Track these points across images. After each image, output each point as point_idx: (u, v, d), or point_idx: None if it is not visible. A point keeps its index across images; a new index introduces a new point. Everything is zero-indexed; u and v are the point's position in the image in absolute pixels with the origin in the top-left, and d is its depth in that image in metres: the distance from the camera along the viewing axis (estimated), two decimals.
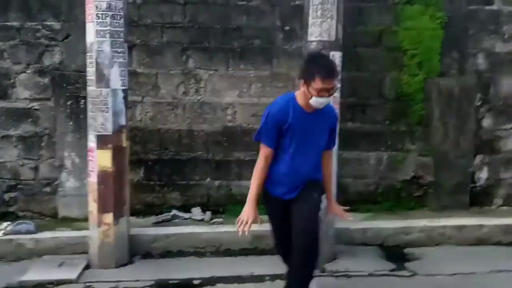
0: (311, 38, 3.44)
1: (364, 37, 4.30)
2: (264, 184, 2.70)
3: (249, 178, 4.21)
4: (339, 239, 3.71)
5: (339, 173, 3.65)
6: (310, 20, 3.43)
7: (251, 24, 4.26)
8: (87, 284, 3.28)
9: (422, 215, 4.27)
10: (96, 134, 3.41)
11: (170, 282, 3.27)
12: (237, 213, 4.14)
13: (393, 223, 4.03)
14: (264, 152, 2.64)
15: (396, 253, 3.76)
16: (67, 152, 4.10)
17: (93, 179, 3.45)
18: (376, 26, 4.34)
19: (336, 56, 3.43)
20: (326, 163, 2.80)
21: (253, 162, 4.22)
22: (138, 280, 3.22)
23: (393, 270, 3.48)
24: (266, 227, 3.90)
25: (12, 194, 4.23)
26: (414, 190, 4.48)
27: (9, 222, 3.88)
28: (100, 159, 3.41)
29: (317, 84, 2.45)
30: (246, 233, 2.59)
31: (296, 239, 2.61)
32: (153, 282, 3.25)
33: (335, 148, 2.99)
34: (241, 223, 2.60)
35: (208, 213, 4.15)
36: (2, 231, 3.77)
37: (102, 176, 3.42)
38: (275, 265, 3.54)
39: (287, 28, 4.28)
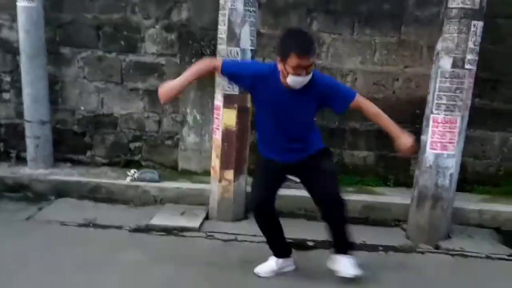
0: (452, 4, 3.21)
1: (506, 6, 3.93)
2: (258, 146, 2.78)
3: (363, 148, 4.32)
4: (454, 218, 3.60)
5: None
6: None
7: None
8: (208, 233, 3.49)
9: None
10: (223, 93, 3.50)
11: None
12: (348, 182, 4.25)
13: None
14: (216, 61, 2.75)
15: None
16: (189, 109, 4.27)
17: (217, 136, 3.59)
18: None
19: (478, 26, 3.20)
20: (371, 116, 2.66)
21: (368, 133, 4.26)
22: (254, 235, 3.34)
23: (511, 255, 3.34)
24: (378, 199, 3.96)
25: (137, 144, 4.52)
26: None
27: (135, 170, 4.19)
28: (226, 118, 3.53)
29: (293, 61, 2.34)
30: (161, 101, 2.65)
31: (325, 209, 2.75)
32: None
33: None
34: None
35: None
36: (130, 177, 4.09)
37: (226, 134, 3.54)
38: (386, 236, 3.56)
39: None
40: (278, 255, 2.94)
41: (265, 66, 2.68)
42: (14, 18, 4.18)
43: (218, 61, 2.77)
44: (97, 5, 4.27)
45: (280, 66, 2.44)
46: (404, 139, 2.56)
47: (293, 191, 4.00)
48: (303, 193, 4.00)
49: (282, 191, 4.16)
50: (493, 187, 4.20)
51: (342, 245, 2.85)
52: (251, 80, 2.58)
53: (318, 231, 3.45)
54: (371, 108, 2.64)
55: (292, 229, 3.10)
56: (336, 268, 2.85)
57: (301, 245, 3.35)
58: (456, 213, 3.64)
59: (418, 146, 2.57)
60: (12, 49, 4.38)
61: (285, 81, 2.46)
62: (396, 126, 2.60)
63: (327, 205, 2.73)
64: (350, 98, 2.60)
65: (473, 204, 3.86)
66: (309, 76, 2.42)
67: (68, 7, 4.29)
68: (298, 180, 2.88)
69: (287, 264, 2.96)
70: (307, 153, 2.68)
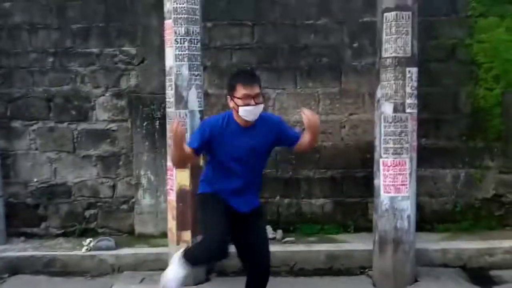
0: (385, 54, 3.40)
1: (436, 51, 4.21)
2: (202, 185, 2.75)
3: (319, 196, 4.35)
4: (418, 259, 3.57)
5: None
6: (384, 37, 3.40)
7: (319, 42, 4.29)
8: None
9: (505, 235, 4.03)
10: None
11: None
12: (308, 231, 4.23)
13: (476, 244, 3.85)
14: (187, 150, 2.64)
15: (481, 276, 3.58)
16: (143, 171, 4.26)
17: (172, 197, 3.55)
18: (449, 40, 4.24)
19: (413, 72, 3.38)
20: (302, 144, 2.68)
21: (323, 180, 4.32)
22: None
23: None
24: (341, 247, 3.94)
25: (92, 211, 4.44)
26: (495, 209, 4.28)
27: (91, 239, 4.06)
28: (179, 178, 3.50)
29: (239, 91, 2.49)
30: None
31: (256, 268, 2.69)
32: None
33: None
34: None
35: (279, 232, 4.14)
36: (85, 247, 3.96)
37: (181, 194, 3.50)
38: (352, 285, 3.50)
39: (355, 45, 4.27)
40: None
41: (217, 116, 2.72)
42: None
43: (187, 149, 2.60)
44: (47, 78, 4.36)
45: (231, 104, 2.56)
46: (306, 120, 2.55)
47: None
48: None
49: None
50: (453, 223, 4.25)
51: None
52: (211, 136, 2.58)
53: None
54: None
55: None
56: None
57: None
58: (420, 254, 3.62)
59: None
60: None
61: (239, 118, 2.55)
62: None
63: (261, 269, 2.68)
64: (298, 132, 2.80)
65: (435, 243, 3.88)
66: (260, 107, 2.53)
67: (18, 81, 4.36)
68: None
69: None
70: (256, 202, 2.71)
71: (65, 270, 3.85)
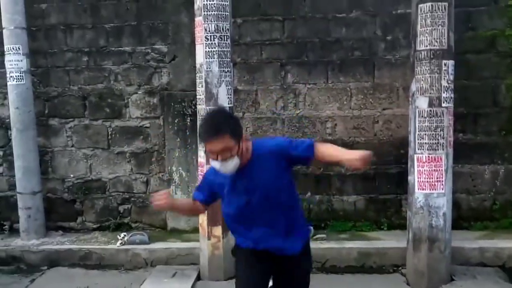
0: (420, 47, 3.30)
1: (474, 42, 4.05)
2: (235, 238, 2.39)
3: (351, 193, 4.28)
4: (454, 258, 3.48)
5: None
6: (419, 29, 3.30)
7: (351, 35, 4.20)
8: None
9: None
10: (204, 150, 3.53)
11: None
12: (340, 228, 4.18)
13: None
14: (195, 201, 2.37)
15: None
16: (175, 167, 4.32)
17: None
18: (488, 31, 4.06)
19: (449, 65, 3.27)
20: (322, 153, 2.16)
21: (355, 176, 4.24)
22: None
23: None
24: (373, 244, 3.87)
25: (126, 206, 4.54)
26: None
27: (125, 233, 4.16)
28: None
29: (206, 147, 2.11)
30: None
31: None
32: None
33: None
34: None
35: (311, 228, 4.10)
36: (120, 241, 4.06)
37: None
38: (385, 284, 3.44)
39: (389, 37, 4.15)
40: None
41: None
42: (5, 96, 4.36)
43: (195, 201, 2.38)
44: (82, 77, 4.46)
45: None
46: (350, 156, 2.10)
47: None
48: None
49: None
50: (491, 221, 4.09)
51: None
52: (211, 185, 2.29)
53: (317, 285, 3.36)
54: (323, 148, 2.21)
55: None
56: None
57: None
58: (456, 253, 3.53)
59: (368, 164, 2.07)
60: (3, 125, 4.54)
61: None
62: (344, 150, 2.23)
63: None
64: (310, 142, 2.20)
65: (472, 242, 3.75)
66: (233, 160, 2.06)
67: (55, 81, 4.48)
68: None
69: None
70: (295, 245, 2.25)
71: (100, 263, 3.97)
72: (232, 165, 2.08)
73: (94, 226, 4.55)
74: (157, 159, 4.43)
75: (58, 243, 4.19)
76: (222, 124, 2.08)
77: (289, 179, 2.23)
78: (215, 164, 2.09)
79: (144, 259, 3.93)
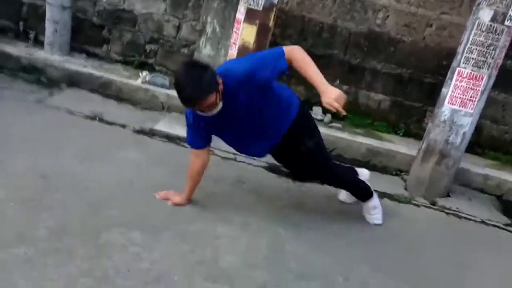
0: None
1: None
2: None
3: (379, 91, 4.17)
4: (457, 178, 3.54)
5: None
6: None
7: None
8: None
9: None
10: (246, 7, 3.36)
11: None
12: (357, 123, 4.18)
13: None
14: (191, 152, 2.53)
15: None
16: (210, 18, 4.09)
17: (233, 51, 3.49)
18: None
19: None
20: (298, 66, 2.28)
21: (388, 76, 4.10)
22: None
23: (508, 225, 3.29)
24: (384, 145, 3.90)
25: (153, 47, 4.46)
26: None
27: (147, 72, 4.16)
28: (245, 33, 3.41)
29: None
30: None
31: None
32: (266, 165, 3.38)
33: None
34: None
35: (328, 115, 4.10)
36: (141, 79, 4.07)
37: (243, 50, 3.43)
38: (384, 183, 3.54)
39: None
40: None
41: None
42: None
43: (202, 150, 2.51)
44: None
45: None
46: (329, 93, 2.21)
47: None
48: None
49: None
50: (504, 154, 4.07)
51: (355, 195, 2.96)
52: (201, 129, 2.39)
53: None
54: (299, 60, 2.28)
55: None
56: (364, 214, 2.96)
57: None
58: (461, 174, 3.58)
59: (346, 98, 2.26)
60: None
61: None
62: (323, 79, 2.26)
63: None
64: (279, 50, 2.26)
65: (479, 168, 3.77)
66: (217, 107, 2.20)
67: None
68: None
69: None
70: (287, 121, 2.49)
71: (118, 95, 4.03)
72: (215, 111, 2.22)
73: (118, 58, 4.52)
74: (194, 6, 4.23)
75: (81, 65, 4.21)
76: (204, 84, 2.09)
77: (266, 93, 2.32)
78: (202, 113, 2.22)
79: (162, 102, 3.98)
